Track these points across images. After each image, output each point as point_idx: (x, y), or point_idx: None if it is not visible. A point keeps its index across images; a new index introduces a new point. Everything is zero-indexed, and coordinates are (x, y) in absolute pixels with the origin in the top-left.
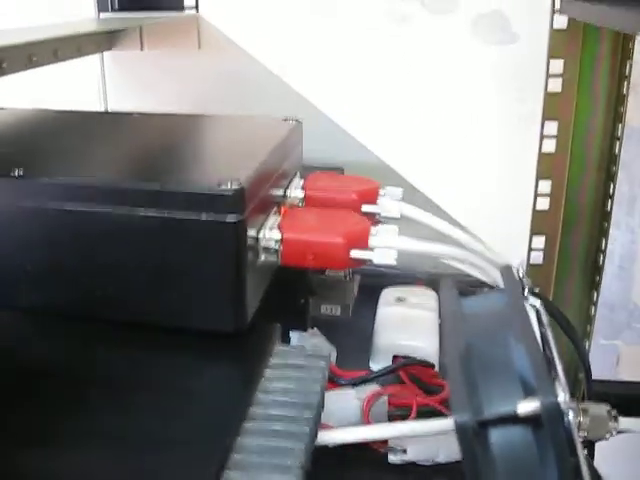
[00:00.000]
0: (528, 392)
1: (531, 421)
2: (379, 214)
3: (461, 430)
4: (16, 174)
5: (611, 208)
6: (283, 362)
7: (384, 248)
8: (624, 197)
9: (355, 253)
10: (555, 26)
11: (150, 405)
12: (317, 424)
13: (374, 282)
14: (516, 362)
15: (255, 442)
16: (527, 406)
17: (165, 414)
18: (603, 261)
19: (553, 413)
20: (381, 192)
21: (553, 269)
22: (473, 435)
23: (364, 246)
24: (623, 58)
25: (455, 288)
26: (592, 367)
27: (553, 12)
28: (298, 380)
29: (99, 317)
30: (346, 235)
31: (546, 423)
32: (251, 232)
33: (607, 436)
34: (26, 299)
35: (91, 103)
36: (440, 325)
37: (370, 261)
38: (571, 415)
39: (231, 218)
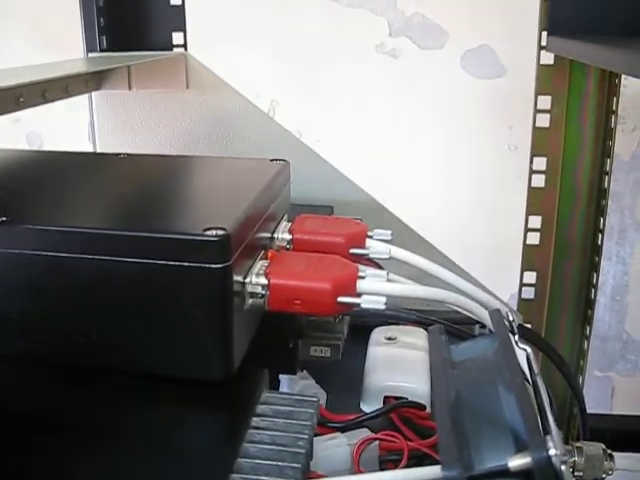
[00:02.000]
0: (519, 445)
1: (522, 475)
2: (368, 255)
3: None
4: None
5: (602, 242)
6: (271, 409)
7: (372, 294)
8: (614, 229)
9: (343, 299)
10: (542, 61)
11: (132, 457)
12: (305, 474)
13: (364, 322)
14: (507, 413)
15: None
16: (518, 461)
17: (148, 466)
18: (595, 295)
19: (545, 468)
20: (370, 234)
21: (545, 304)
22: None
23: (352, 292)
24: (610, 93)
25: (444, 335)
26: (588, 400)
27: (540, 48)
28: (286, 428)
29: (83, 364)
30: (334, 281)
31: (538, 478)
32: (237, 278)
33: (603, 476)
34: (10, 346)
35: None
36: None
37: (358, 306)
38: (563, 468)
39: (217, 265)
